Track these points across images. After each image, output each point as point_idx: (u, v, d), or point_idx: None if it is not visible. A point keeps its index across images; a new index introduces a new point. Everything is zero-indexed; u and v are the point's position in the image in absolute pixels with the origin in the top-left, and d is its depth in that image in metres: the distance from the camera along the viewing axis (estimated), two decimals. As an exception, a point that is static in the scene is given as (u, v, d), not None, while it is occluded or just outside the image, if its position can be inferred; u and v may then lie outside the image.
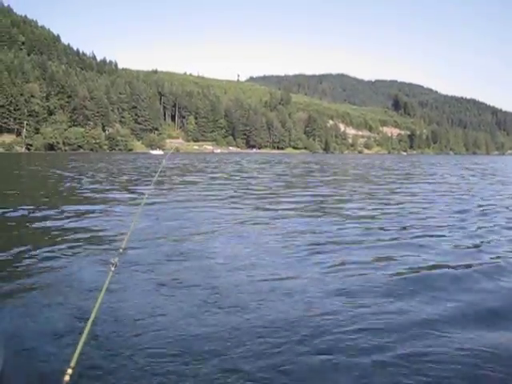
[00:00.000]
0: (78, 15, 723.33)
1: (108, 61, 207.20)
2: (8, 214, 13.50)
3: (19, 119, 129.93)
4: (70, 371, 1.42)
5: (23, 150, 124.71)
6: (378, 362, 4.44)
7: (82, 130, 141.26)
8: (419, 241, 10.11)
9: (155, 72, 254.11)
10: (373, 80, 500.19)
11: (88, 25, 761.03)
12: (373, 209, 15.44)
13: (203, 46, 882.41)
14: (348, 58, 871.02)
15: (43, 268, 7.72)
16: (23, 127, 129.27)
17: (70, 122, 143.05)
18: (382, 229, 11.57)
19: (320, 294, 6.51)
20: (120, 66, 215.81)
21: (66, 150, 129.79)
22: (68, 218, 13.06)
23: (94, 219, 13.01)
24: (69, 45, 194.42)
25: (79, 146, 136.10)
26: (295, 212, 14.64)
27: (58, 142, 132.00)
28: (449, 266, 7.97)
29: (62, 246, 9.25)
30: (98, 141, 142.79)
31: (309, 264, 8.20)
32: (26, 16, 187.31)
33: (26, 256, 8.82)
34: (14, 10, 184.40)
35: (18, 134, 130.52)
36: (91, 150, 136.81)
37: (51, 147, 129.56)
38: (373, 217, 13.58)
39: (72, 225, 11.91)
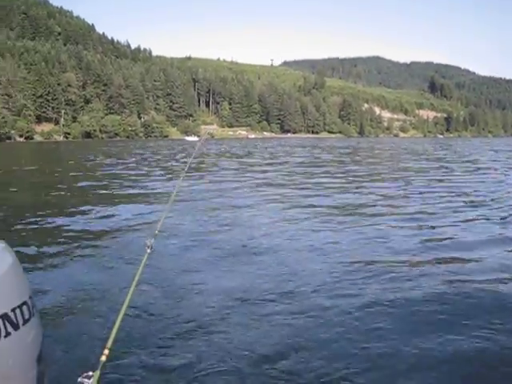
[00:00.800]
0: (113, 4, 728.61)
1: (142, 48, 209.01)
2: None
3: (57, 108, 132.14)
4: (106, 352, 1.42)
5: (61, 138, 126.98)
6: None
7: (118, 117, 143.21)
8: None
9: (189, 59, 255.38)
10: (408, 62, 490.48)
11: (122, 13, 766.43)
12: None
13: (236, 31, 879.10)
14: (383, 40, 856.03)
15: (78, 248, 8.03)
16: (61, 116, 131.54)
17: (106, 110, 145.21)
18: None
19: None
20: (154, 54, 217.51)
21: (102, 138, 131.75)
22: (105, 202, 13.51)
23: (129, 203, 13.43)
24: (103, 34, 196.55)
25: (116, 134, 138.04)
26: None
27: (94, 130, 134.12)
28: None
29: (99, 228, 9.65)
30: (133, 128, 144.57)
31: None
32: (61, 7, 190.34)
33: (66, 233, 9.31)
34: (50, 2, 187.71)
35: (56, 122, 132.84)
36: (127, 137, 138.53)
37: (88, 135, 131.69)
38: None
39: (109, 208, 12.37)
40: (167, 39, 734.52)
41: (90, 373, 1.21)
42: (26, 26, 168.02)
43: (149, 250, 2.57)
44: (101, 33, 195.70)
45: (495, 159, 36.23)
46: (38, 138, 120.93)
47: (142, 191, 16.17)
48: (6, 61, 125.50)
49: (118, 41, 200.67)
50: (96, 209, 12.24)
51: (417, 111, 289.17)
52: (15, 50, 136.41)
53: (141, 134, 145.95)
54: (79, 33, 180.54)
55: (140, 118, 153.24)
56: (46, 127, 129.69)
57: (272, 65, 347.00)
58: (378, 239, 8.66)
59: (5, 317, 0.83)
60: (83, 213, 11.80)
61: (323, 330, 4.73)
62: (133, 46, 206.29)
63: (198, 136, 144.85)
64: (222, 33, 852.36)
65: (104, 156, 40.61)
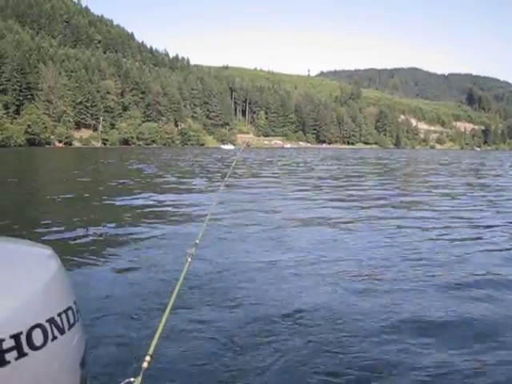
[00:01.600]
0: (152, 13, 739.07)
1: (180, 57, 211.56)
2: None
3: (96, 115, 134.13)
4: (148, 358, 1.43)
5: (99, 144, 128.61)
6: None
7: (156, 125, 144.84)
8: None
9: (226, 68, 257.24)
10: (446, 74, 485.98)
11: (161, 22, 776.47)
12: None
13: (274, 41, 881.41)
14: (420, 52, 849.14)
15: (123, 255, 8.01)
16: (99, 123, 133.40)
17: (143, 117, 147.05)
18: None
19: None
20: (192, 63, 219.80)
21: (139, 145, 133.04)
22: (145, 210, 13.39)
23: (171, 210, 13.34)
24: (142, 42, 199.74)
25: (153, 141, 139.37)
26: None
27: (132, 137, 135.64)
28: None
29: (143, 239, 9.39)
30: (170, 136, 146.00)
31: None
32: (102, 15, 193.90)
33: (109, 239, 9.28)
34: (92, 10, 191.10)
35: (95, 129, 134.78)
36: (164, 144, 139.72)
37: (126, 142, 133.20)
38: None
39: (149, 217, 12.15)
40: (205, 48, 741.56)
41: (132, 379, 1.25)
42: (68, 34, 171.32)
43: (189, 259, 2.63)
44: (140, 41, 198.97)
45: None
46: (76, 143, 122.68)
47: (181, 201, 15.84)
48: (48, 68, 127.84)
49: (156, 49, 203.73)
50: (139, 217, 12.09)
51: (454, 123, 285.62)
52: (57, 57, 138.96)
53: (177, 142, 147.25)
54: (119, 41, 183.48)
55: (177, 125, 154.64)
56: (85, 133, 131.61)
57: (309, 75, 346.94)
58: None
59: (52, 321, 0.87)
60: (127, 219, 11.70)
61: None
62: (171, 55, 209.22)
63: (234, 145, 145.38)
64: (260, 42, 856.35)
65: (144, 163, 40.51)
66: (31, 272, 0.94)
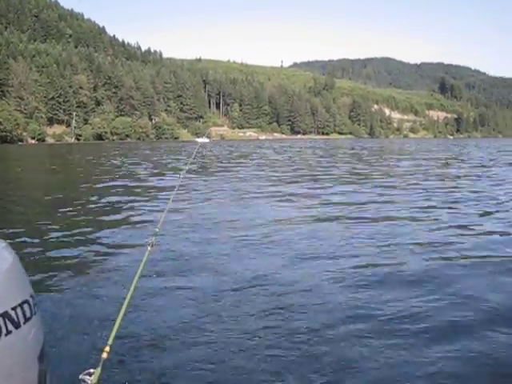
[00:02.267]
0: (123, 6, 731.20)
1: (153, 51, 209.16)
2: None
3: (68, 110, 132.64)
4: (107, 349, 1.43)
5: (73, 140, 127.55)
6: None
7: (129, 119, 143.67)
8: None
9: (199, 60, 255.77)
10: (418, 63, 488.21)
11: (132, 16, 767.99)
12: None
13: (246, 32, 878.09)
14: (393, 41, 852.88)
15: (86, 244, 8.28)
16: (72, 118, 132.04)
17: (117, 112, 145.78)
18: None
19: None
20: (164, 56, 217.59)
21: (113, 140, 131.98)
22: (109, 202, 13.77)
23: (132, 201, 13.70)
24: (114, 36, 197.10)
25: (127, 136, 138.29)
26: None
27: (106, 132, 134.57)
28: None
29: (105, 227, 9.77)
30: (144, 130, 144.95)
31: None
32: (72, 9, 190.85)
33: (74, 232, 9.47)
34: (61, 4, 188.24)
35: (68, 124, 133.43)
36: (138, 138, 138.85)
37: (100, 137, 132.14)
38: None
39: (113, 206, 12.77)
40: (177, 41, 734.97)
41: (91, 370, 1.24)
42: (38, 29, 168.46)
43: (149, 248, 2.62)
44: (111, 35, 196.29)
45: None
46: (49, 140, 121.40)
47: (145, 189, 16.25)
48: (18, 63, 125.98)
49: (128, 43, 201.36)
50: (100, 206, 12.78)
51: (427, 112, 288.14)
52: (27, 52, 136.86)
53: (152, 136, 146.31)
54: (90, 35, 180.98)
55: (151, 119, 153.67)
56: (58, 129, 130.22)
57: (282, 66, 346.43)
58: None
59: (5, 315, 0.86)
60: (87, 209, 12.30)
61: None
62: (143, 49, 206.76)
63: (209, 137, 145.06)
64: (232, 34, 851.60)
65: (119, 157, 40.54)
66: None
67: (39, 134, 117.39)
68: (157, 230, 3.32)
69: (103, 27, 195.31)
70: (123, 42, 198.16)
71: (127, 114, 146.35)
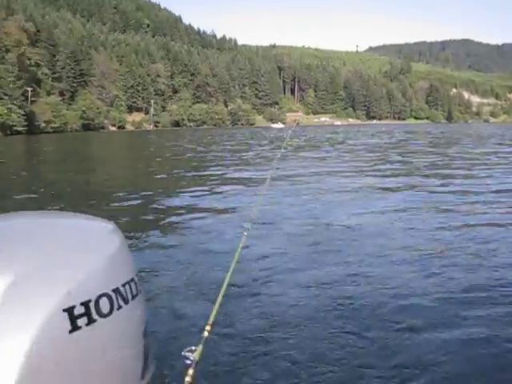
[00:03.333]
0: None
1: (228, 38, 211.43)
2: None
3: (147, 98, 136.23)
4: (208, 328, 1.49)
5: (151, 127, 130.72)
6: None
7: (206, 106, 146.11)
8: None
9: (274, 46, 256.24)
10: (500, 43, 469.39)
11: (208, 4, 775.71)
12: None
13: (321, 17, 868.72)
14: (471, 22, 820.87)
15: (184, 229, 8.47)
16: (151, 106, 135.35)
17: (193, 99, 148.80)
18: None
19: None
20: (239, 43, 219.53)
21: (190, 126, 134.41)
22: (202, 188, 13.82)
23: (227, 189, 13.65)
24: (190, 24, 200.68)
25: (203, 122, 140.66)
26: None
27: (183, 119, 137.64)
28: None
29: (200, 214, 9.85)
30: (220, 116, 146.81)
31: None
32: (149, 0, 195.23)
33: (167, 212, 9.91)
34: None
35: (146, 112, 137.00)
36: (214, 125, 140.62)
37: (177, 124, 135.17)
38: None
39: (206, 194, 12.72)
40: (252, 28, 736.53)
41: (193, 347, 1.30)
42: (117, 20, 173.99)
43: (246, 233, 2.65)
44: (187, 24, 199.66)
45: None
46: (129, 127, 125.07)
47: (238, 176, 16.32)
48: (100, 54, 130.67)
49: (204, 31, 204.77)
50: (195, 193, 12.66)
51: (509, 95, 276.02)
52: (107, 43, 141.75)
53: (227, 122, 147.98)
54: (167, 24, 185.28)
55: (226, 106, 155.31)
56: (137, 117, 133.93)
57: (357, 51, 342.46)
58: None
59: (117, 291, 0.94)
60: (181, 195, 12.28)
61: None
62: (218, 36, 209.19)
63: (284, 123, 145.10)
64: (307, 19, 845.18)
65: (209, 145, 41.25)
66: (97, 245, 1.02)
67: (120, 122, 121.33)
68: (252, 216, 3.54)
69: (179, 16, 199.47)
70: (199, 30, 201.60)
71: (203, 100, 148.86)
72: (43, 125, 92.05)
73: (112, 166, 23.10)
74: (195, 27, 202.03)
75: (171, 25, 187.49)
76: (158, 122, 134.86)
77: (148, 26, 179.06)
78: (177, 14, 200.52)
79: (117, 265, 1.00)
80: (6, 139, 63.83)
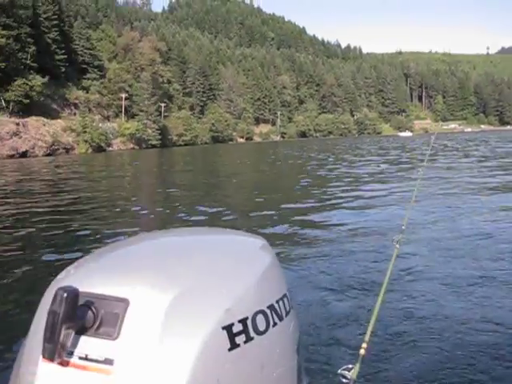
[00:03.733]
0: (322, 5, 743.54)
1: (352, 47, 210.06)
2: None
3: (273, 110, 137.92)
4: (364, 345, 1.45)
5: (278, 138, 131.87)
6: None
7: (331, 116, 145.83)
8: None
9: (400, 53, 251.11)
10: None
11: (331, 14, 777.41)
12: None
13: (448, 20, 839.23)
14: None
15: (331, 242, 7.88)
16: (277, 117, 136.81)
17: (319, 109, 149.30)
18: None
19: None
20: (364, 51, 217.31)
21: (317, 137, 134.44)
22: (344, 198, 13.13)
23: (370, 199, 12.92)
24: (314, 35, 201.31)
25: (329, 132, 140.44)
26: None
27: (309, 129, 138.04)
28: None
29: (346, 226, 9.26)
30: (346, 126, 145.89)
31: None
32: (273, 13, 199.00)
33: (312, 226, 9.27)
34: (264, 10, 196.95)
35: (273, 123, 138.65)
36: (340, 135, 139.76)
37: (303, 134, 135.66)
38: None
39: (350, 206, 11.92)
40: (377, 35, 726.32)
41: (350, 366, 1.26)
42: (243, 35, 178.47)
43: (397, 245, 2.60)
44: (311, 35, 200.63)
45: None
46: (256, 138, 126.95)
47: (380, 187, 15.20)
48: (227, 68, 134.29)
49: (328, 41, 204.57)
50: (338, 207, 11.85)
51: None
52: (234, 57, 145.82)
53: (354, 132, 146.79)
54: (291, 36, 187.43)
55: (353, 115, 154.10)
56: (264, 128, 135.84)
57: (488, 53, 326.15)
58: None
59: (272, 308, 0.93)
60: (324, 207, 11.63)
61: None
62: (343, 45, 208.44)
63: (412, 131, 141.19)
64: (434, 24, 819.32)
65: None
66: (251, 261, 1.03)
67: (247, 133, 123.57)
68: (403, 227, 3.19)
69: (303, 28, 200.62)
70: (323, 40, 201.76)
71: (329, 110, 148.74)
72: (175, 138, 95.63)
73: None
74: (319, 38, 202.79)
75: (296, 36, 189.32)
76: (285, 133, 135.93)
77: (273, 39, 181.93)
78: (301, 26, 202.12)
79: (270, 281, 1.00)
80: (148, 152, 66.83)
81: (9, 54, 63.81)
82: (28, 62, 68.00)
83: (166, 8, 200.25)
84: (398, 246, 2.54)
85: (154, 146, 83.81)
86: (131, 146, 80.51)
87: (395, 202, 12.02)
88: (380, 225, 9.09)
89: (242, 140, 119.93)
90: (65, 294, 0.80)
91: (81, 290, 0.84)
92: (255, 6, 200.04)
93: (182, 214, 11.16)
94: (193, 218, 10.34)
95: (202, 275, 0.93)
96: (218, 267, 0.96)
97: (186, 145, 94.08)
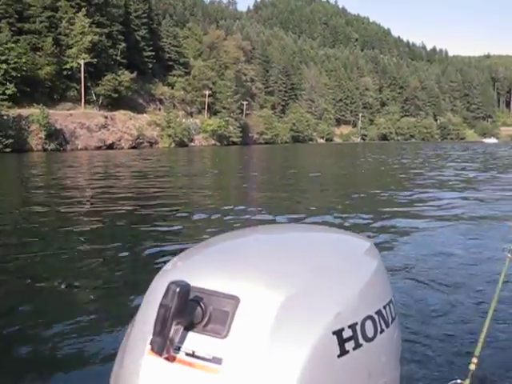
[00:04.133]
0: (407, 6, 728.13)
1: (438, 49, 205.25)
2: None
3: (355, 111, 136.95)
4: (474, 360, 1.37)
5: (359, 140, 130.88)
6: None
7: (414, 119, 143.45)
8: None
9: (488, 57, 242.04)
10: None
11: (417, 15, 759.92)
12: None
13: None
14: None
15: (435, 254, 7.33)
16: (358, 119, 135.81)
17: (401, 112, 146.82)
18: None
19: None
20: (450, 54, 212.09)
21: (398, 140, 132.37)
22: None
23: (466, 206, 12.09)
24: (399, 37, 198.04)
25: (411, 136, 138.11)
26: None
27: (390, 132, 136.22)
28: None
29: (450, 235, 8.65)
30: (429, 130, 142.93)
31: None
32: (358, 14, 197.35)
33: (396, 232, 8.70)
34: (348, 10, 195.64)
35: (354, 125, 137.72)
36: (422, 139, 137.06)
37: (384, 137, 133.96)
38: None
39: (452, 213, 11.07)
40: (464, 38, 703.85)
41: (459, 381, 1.20)
42: (327, 35, 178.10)
43: (509, 255, 2.44)
44: (396, 36, 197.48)
45: None
46: (336, 139, 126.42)
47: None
48: (310, 69, 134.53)
49: (413, 43, 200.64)
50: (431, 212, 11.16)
51: None
52: (317, 58, 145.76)
53: (436, 136, 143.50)
54: (375, 37, 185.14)
55: (436, 119, 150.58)
56: (345, 130, 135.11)
57: None
58: None
59: (379, 313, 0.89)
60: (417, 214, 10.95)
61: None
62: (428, 48, 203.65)
63: (498, 138, 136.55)
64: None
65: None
66: (360, 262, 1.00)
67: (328, 134, 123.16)
68: None
69: (388, 29, 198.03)
70: (408, 42, 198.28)
71: (412, 114, 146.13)
72: (256, 136, 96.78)
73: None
74: (404, 39, 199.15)
75: (380, 38, 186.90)
76: (366, 135, 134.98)
77: (357, 39, 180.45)
78: (386, 27, 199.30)
79: (378, 285, 0.97)
80: (229, 149, 68.12)
81: (100, 51, 67.43)
82: (118, 58, 71.54)
83: (251, 7, 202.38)
84: (510, 255, 2.46)
85: (234, 143, 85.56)
86: (212, 142, 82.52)
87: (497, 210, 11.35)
88: (487, 233, 8.70)
89: (321, 141, 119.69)
90: (177, 289, 0.79)
91: (191, 284, 0.83)
92: (340, 6, 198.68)
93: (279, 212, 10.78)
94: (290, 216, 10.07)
95: (314, 276, 0.90)
96: (329, 268, 0.93)
97: (266, 143, 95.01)
